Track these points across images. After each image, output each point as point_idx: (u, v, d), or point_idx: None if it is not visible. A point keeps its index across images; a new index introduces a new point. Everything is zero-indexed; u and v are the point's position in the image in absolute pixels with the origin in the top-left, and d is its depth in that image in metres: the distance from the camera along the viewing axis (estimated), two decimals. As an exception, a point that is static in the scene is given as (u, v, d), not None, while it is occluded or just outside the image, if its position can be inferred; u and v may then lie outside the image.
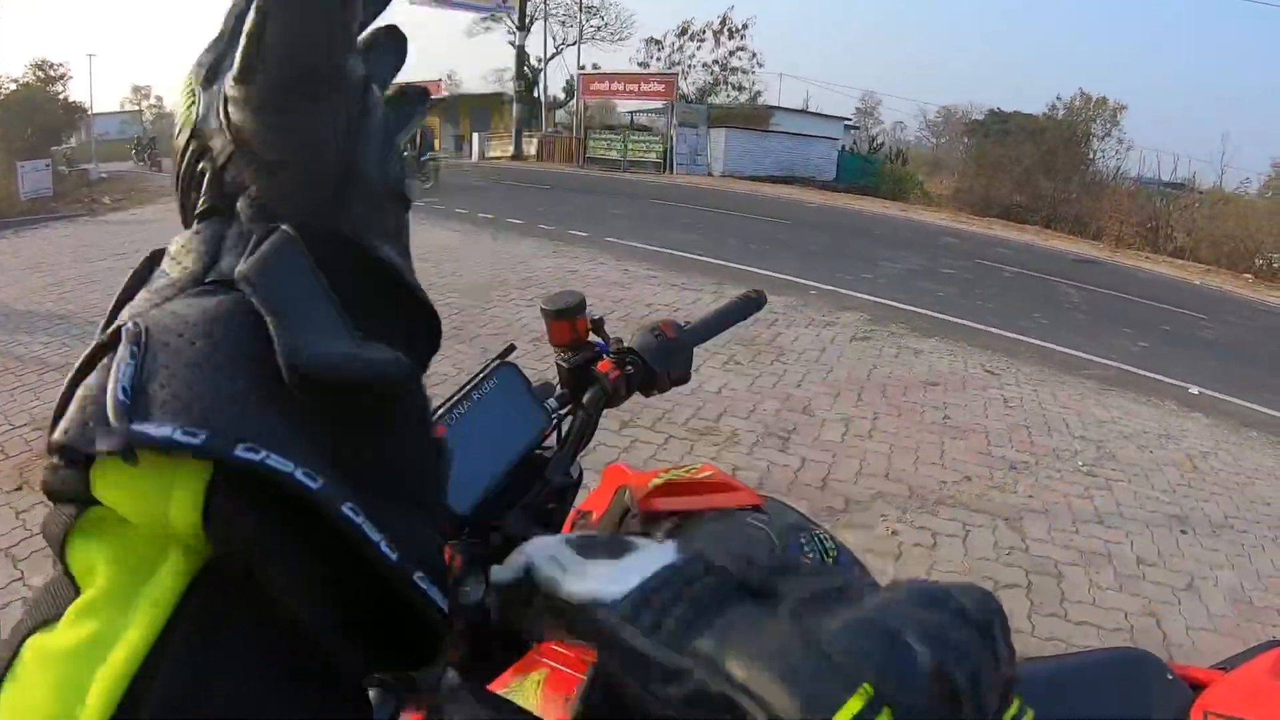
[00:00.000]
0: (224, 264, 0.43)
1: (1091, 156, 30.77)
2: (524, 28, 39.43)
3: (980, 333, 8.99)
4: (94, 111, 40.19)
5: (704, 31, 43.93)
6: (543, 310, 1.53)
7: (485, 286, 9.82)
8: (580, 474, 1.40)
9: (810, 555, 1.15)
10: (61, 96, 33.04)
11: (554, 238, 13.79)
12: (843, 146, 37.72)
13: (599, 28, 44.58)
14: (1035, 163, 28.59)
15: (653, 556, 0.56)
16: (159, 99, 73.61)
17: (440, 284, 9.95)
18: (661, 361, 1.55)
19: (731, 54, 43.53)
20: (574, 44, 41.34)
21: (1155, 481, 5.51)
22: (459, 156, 39.61)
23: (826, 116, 41.56)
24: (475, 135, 39.51)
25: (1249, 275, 19.16)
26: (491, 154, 37.33)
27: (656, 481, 1.45)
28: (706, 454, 5.26)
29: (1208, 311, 13.15)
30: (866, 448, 5.54)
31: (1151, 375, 8.17)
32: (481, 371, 1.34)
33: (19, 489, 5.23)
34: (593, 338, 1.56)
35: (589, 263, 11.45)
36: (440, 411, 1.22)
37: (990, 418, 6.35)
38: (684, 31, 44.45)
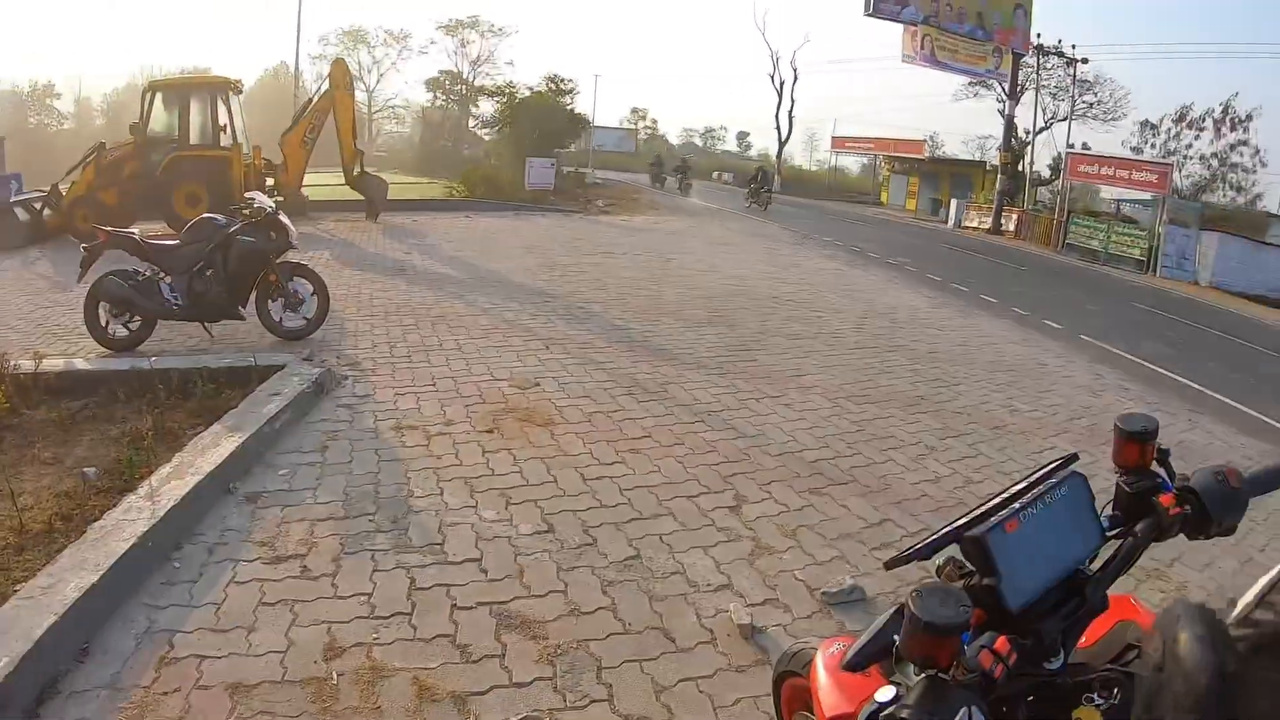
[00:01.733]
0: None
1: None
2: (1014, 97, 38.85)
3: None
4: (595, 124, 43.91)
5: (1204, 119, 41.54)
6: (1117, 428, 1.62)
7: (951, 361, 10.00)
8: (1107, 598, 1.48)
9: None
10: (569, 107, 36.84)
11: (1025, 324, 13.73)
12: (1354, 270, 33.99)
13: (1091, 104, 43.10)
14: None
15: None
16: (654, 121, 79.24)
17: (908, 347, 10.38)
18: (1219, 509, 1.56)
19: (1232, 148, 40.74)
20: (1064, 120, 40.21)
21: None
22: (934, 220, 39.46)
23: (1337, 233, 37.44)
24: (953, 201, 39.22)
25: None
26: (968, 223, 36.96)
27: None
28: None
29: None
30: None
31: None
32: (1048, 474, 1.49)
33: (490, 431, 6.16)
34: (1156, 467, 1.62)
35: (1059, 359, 11.26)
36: (1016, 507, 1.38)
37: None
38: (1181, 118, 42.27)
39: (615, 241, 16.98)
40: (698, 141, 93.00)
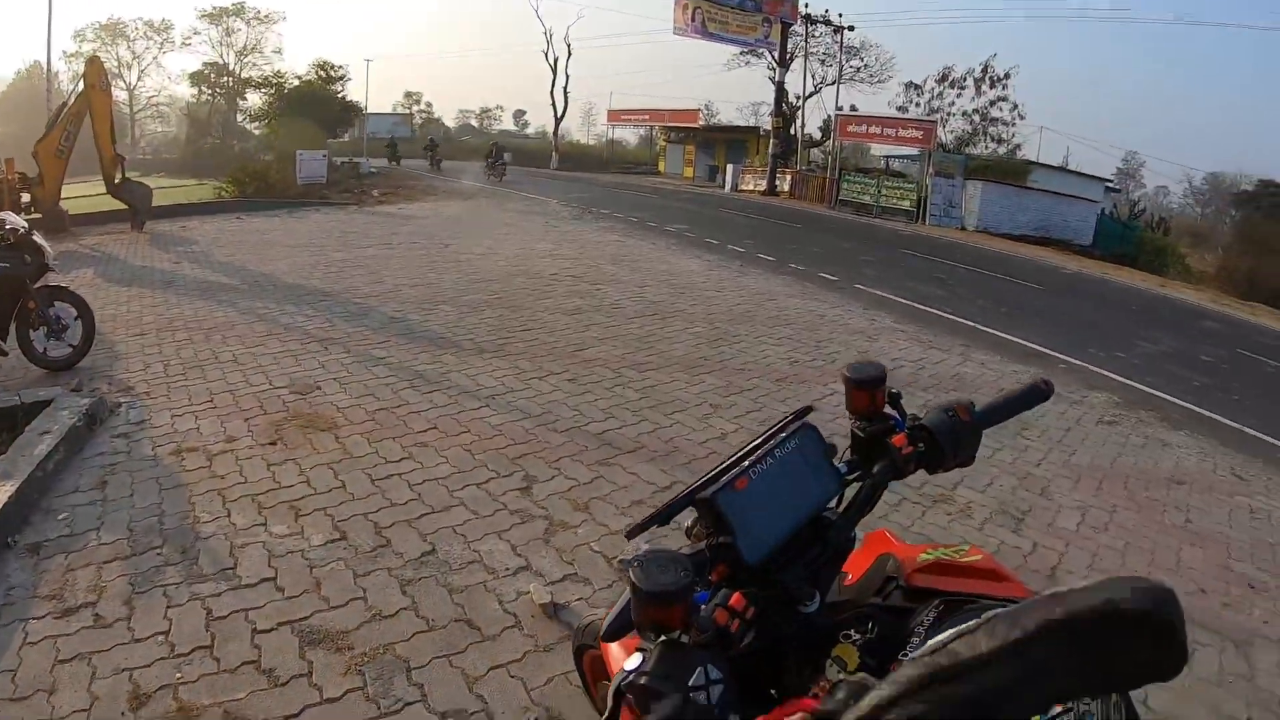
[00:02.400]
0: None
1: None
2: (784, 64, 39.95)
3: (1234, 432, 8.63)
4: (368, 111, 42.95)
5: (965, 79, 43.81)
6: (845, 377, 1.65)
7: (732, 320, 10.18)
8: (854, 539, 1.51)
9: None
10: (340, 95, 35.76)
11: (802, 278, 14.14)
12: (1102, 210, 36.39)
13: (859, 69, 45.33)
14: (1313, 244, 26.73)
15: None
16: (428, 105, 77.99)
17: (687, 311, 10.48)
18: (952, 443, 1.62)
19: (992, 104, 43.37)
20: (833, 84, 41.66)
21: None
22: (711, 185, 40.32)
23: (1086, 176, 40.29)
24: (729, 167, 40.25)
25: None
26: (744, 187, 37.98)
27: (925, 558, 1.51)
28: (938, 522, 5.35)
29: None
30: (1101, 541, 5.47)
31: None
32: (781, 429, 1.51)
33: (273, 444, 5.89)
34: (889, 410, 1.66)
35: (836, 308, 11.64)
36: (745, 464, 1.39)
37: (1234, 528, 6.10)
38: (944, 78, 44.50)
39: (392, 232, 16.57)
40: (474, 123, 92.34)
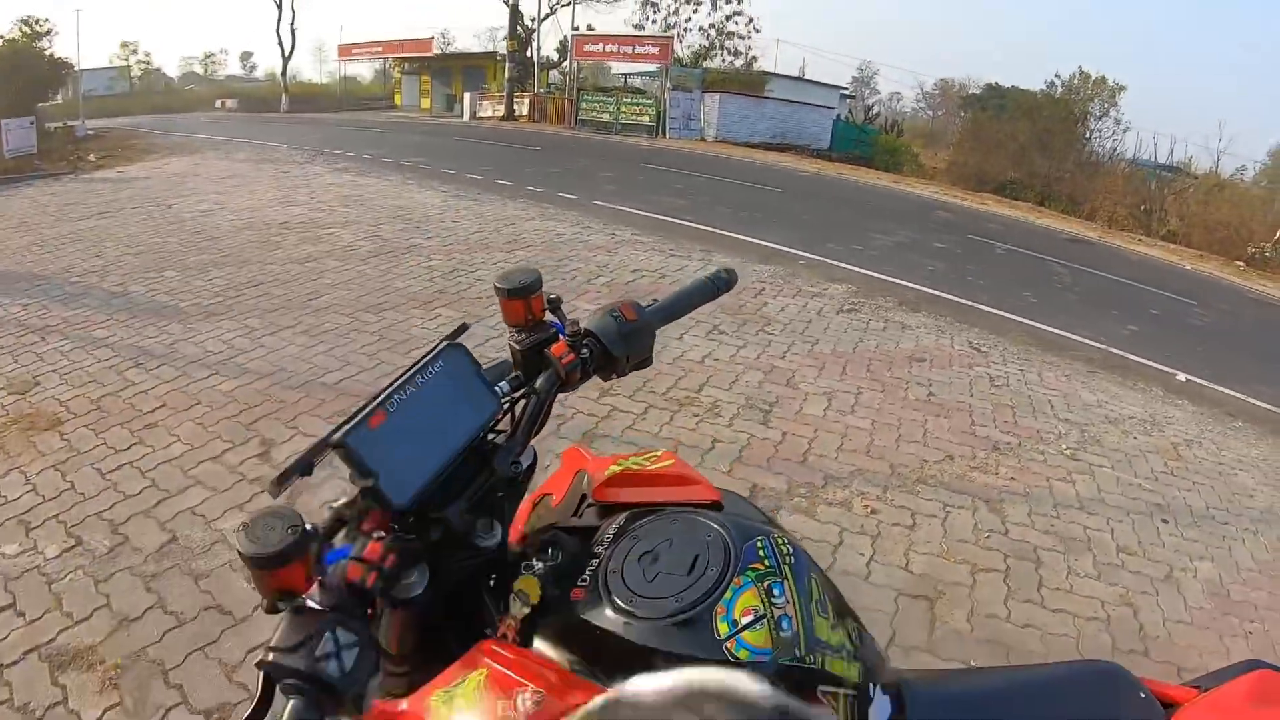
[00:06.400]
0: None
1: (1088, 136, 30.75)
2: (518, -15, 38.95)
3: (969, 309, 8.94)
4: (81, 68, 39.78)
5: (701, -5, 43.69)
6: (496, 288, 1.49)
7: (469, 249, 9.76)
8: (534, 459, 1.36)
9: (766, 560, 1.08)
10: (48, 53, 32.53)
11: (541, 199, 13.75)
12: (838, 115, 37.60)
13: (595, -12, 44.45)
14: (1031, 140, 28.48)
15: None
16: (147, 54, 73.06)
17: (423, 246, 9.97)
18: (620, 345, 1.51)
19: (728, 19, 43.27)
20: (568, 4, 41.11)
21: (1138, 469, 5.45)
22: (450, 115, 39.56)
23: (823, 85, 41.49)
24: (467, 95, 39.43)
25: (1240, 263, 19.15)
26: (483, 114, 37.39)
27: (614, 469, 1.41)
28: (687, 425, 5.23)
29: (1198, 298, 13.11)
30: (849, 423, 5.46)
31: (1139, 360, 8.13)
32: (428, 354, 1.32)
33: None
34: (550, 317, 1.52)
35: (576, 226, 11.38)
36: (380, 397, 1.20)
37: (975, 396, 6.28)
38: (680, -6, 44.17)
39: (110, 200, 15.17)
40: (199, 69, 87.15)
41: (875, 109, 49.62)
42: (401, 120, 38.23)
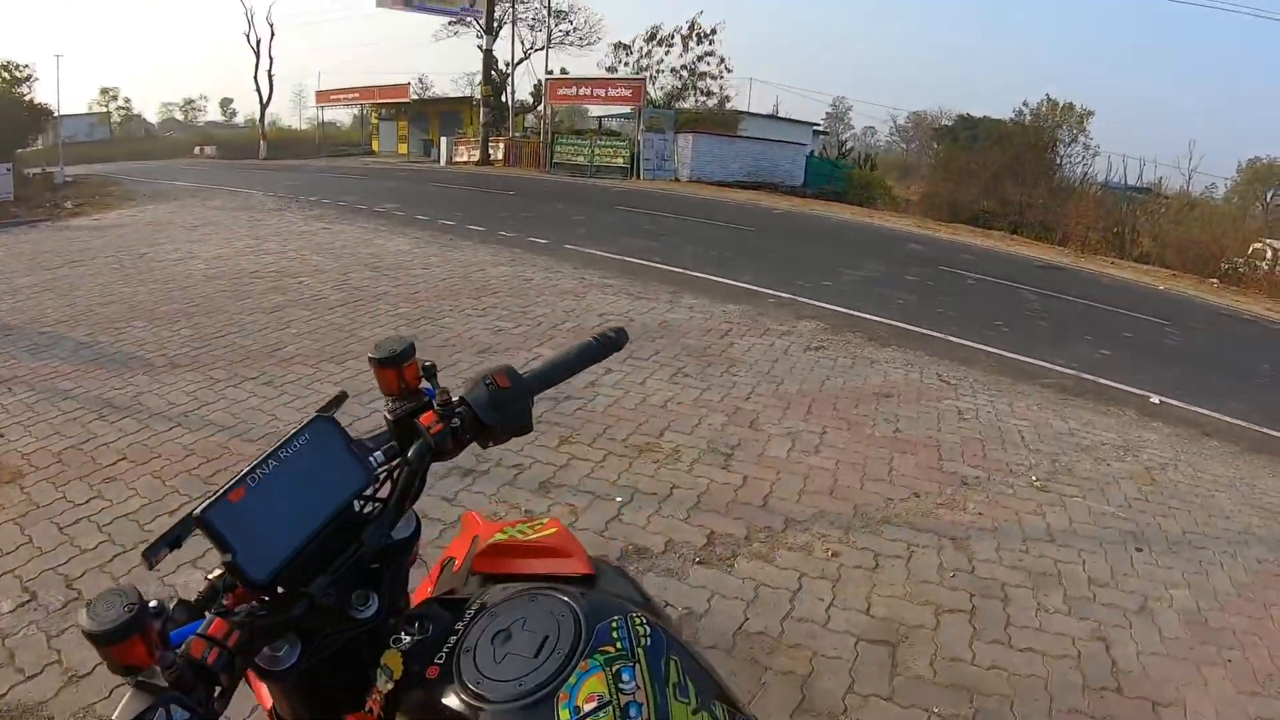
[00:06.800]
0: None
1: (1058, 162, 31.07)
2: (491, 32, 39.85)
3: (939, 341, 8.88)
4: (61, 113, 39.84)
5: (673, 36, 44.07)
6: (369, 358, 1.49)
7: (438, 297, 9.69)
8: (417, 526, 1.34)
9: (619, 642, 1.05)
10: (28, 99, 32.57)
11: (512, 244, 13.70)
12: (811, 151, 37.84)
13: (567, 32, 45.29)
14: (1002, 168, 28.76)
15: None
16: (127, 100, 73.21)
17: (392, 294, 9.89)
18: (491, 414, 1.49)
19: (700, 59, 43.76)
20: (542, 48, 41.78)
21: (1111, 496, 5.36)
22: (427, 160, 39.74)
23: (796, 122, 41.94)
24: (443, 140, 39.68)
25: (1214, 280, 19.27)
26: (459, 159, 37.54)
27: (499, 537, 1.41)
28: (646, 471, 5.12)
29: (1171, 317, 13.13)
30: (812, 464, 5.36)
31: (1112, 384, 8.09)
32: (297, 428, 1.30)
33: None
34: (425, 385, 1.51)
35: (545, 271, 11.29)
36: (245, 472, 1.18)
37: (944, 430, 6.19)
38: (653, 36, 44.59)
39: (85, 247, 15.15)
40: (179, 116, 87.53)
41: (849, 144, 50.05)
42: (378, 166, 38.39)
